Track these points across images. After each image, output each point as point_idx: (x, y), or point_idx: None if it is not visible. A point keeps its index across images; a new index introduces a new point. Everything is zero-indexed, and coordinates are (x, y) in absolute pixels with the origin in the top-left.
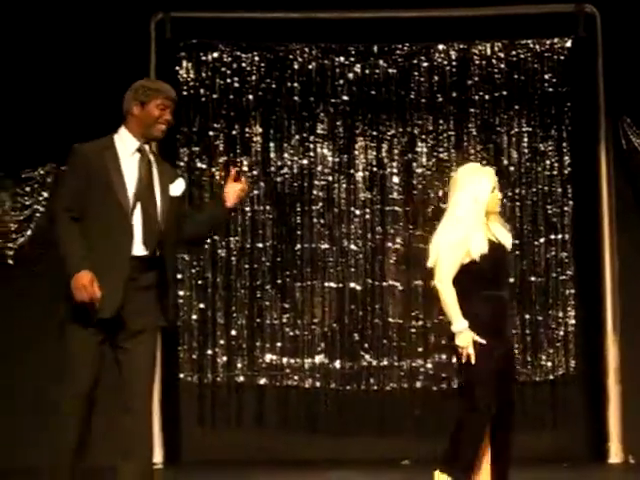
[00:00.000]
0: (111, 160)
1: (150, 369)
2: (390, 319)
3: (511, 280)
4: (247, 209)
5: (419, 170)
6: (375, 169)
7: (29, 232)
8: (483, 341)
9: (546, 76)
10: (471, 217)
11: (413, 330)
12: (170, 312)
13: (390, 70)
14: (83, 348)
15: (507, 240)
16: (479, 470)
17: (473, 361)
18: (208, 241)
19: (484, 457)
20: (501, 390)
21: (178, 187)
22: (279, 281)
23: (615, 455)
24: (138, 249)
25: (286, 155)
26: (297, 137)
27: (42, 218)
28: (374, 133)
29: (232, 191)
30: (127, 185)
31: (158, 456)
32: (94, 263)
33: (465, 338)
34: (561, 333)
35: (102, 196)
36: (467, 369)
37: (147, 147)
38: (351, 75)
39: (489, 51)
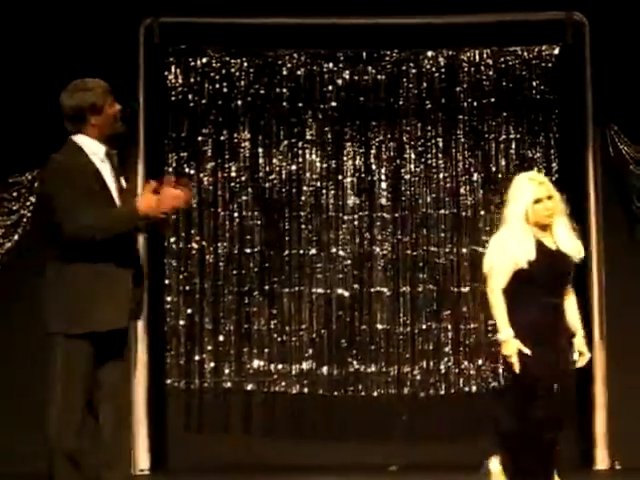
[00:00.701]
0: (93, 172)
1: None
2: (378, 325)
3: None
4: (235, 215)
5: (407, 176)
6: (363, 175)
7: (16, 237)
8: (528, 351)
9: (534, 83)
10: (516, 226)
11: (401, 336)
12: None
13: (379, 76)
14: (81, 361)
15: (570, 248)
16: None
17: (517, 370)
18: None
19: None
20: (548, 403)
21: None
22: (267, 287)
23: (602, 461)
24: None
25: (275, 161)
26: (286, 143)
27: (29, 223)
28: (362, 139)
29: (166, 197)
30: (113, 194)
31: (145, 462)
32: (102, 278)
33: (509, 347)
34: None
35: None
36: (510, 378)
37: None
38: (340, 81)
39: (477, 58)
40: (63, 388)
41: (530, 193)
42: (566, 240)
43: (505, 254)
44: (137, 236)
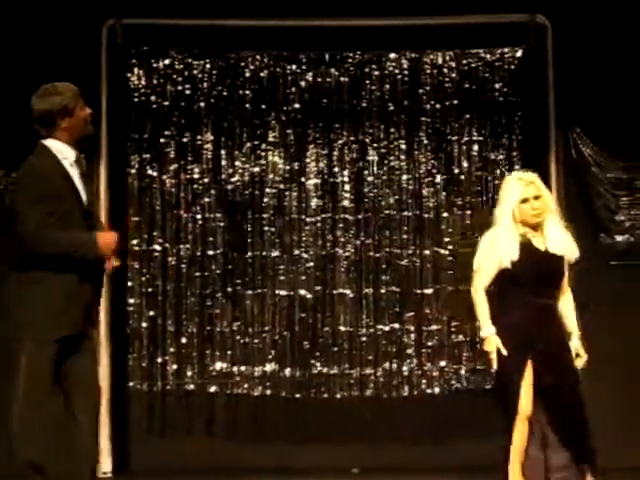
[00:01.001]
0: (63, 175)
1: (96, 369)
2: (341, 327)
3: None
4: (198, 217)
5: (370, 178)
6: (326, 177)
7: None
8: (504, 351)
9: (497, 85)
10: (504, 225)
11: (363, 338)
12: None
13: (342, 78)
14: (51, 365)
15: (560, 248)
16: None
17: (494, 366)
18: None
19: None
20: (544, 401)
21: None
22: (229, 289)
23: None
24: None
25: (237, 163)
26: (248, 145)
27: None
28: (325, 141)
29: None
30: (82, 198)
31: (107, 465)
32: (67, 282)
33: (489, 344)
34: None
35: (66, 212)
36: (495, 375)
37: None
38: (303, 83)
39: (440, 60)
40: (27, 393)
41: (517, 193)
42: (557, 240)
43: (491, 254)
44: None
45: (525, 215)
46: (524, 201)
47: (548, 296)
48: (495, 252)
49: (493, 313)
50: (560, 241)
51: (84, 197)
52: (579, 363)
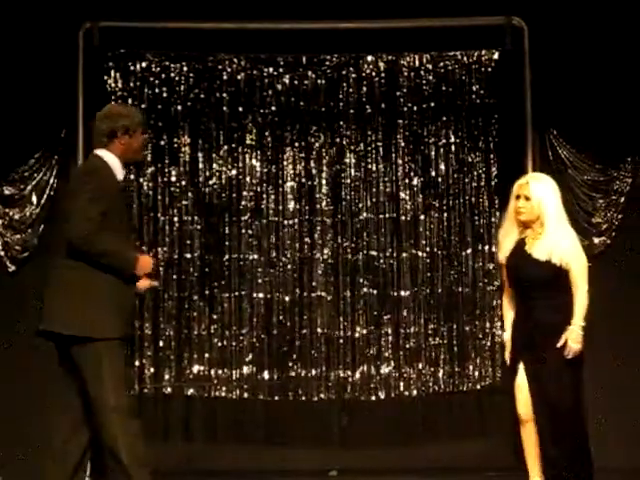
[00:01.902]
0: (117, 188)
1: None
2: (318, 330)
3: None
4: (175, 219)
5: (347, 181)
6: (304, 180)
7: None
8: (507, 358)
9: (474, 88)
10: (505, 222)
11: (341, 341)
12: None
13: (319, 81)
14: (121, 362)
15: (544, 253)
16: None
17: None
18: None
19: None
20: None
21: None
22: (207, 292)
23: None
24: None
25: (215, 165)
26: (226, 147)
27: None
28: (303, 144)
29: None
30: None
31: (85, 469)
32: (116, 287)
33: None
34: (488, 343)
35: (117, 223)
36: None
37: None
38: (280, 86)
39: (417, 63)
40: (120, 387)
41: (514, 190)
42: (545, 244)
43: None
44: None
45: (514, 213)
46: (517, 198)
47: (524, 298)
48: (500, 250)
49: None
50: (548, 245)
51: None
52: (567, 353)
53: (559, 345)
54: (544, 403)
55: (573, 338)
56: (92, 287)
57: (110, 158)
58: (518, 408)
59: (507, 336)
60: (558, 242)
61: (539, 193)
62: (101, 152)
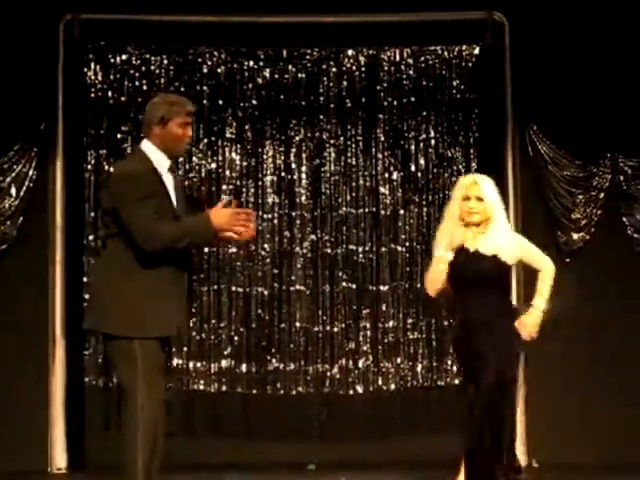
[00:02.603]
0: (159, 182)
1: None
2: (297, 323)
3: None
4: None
5: (327, 175)
6: (283, 173)
7: None
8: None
9: (454, 83)
10: (447, 226)
11: (320, 335)
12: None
13: (299, 75)
14: (157, 360)
15: (489, 248)
16: None
17: None
18: None
19: None
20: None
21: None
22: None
23: (519, 459)
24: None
25: (194, 159)
26: (205, 141)
27: None
28: (282, 137)
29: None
30: (175, 206)
31: (62, 461)
32: (160, 284)
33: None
34: None
35: (161, 216)
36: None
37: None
38: (260, 79)
39: (398, 57)
40: (146, 384)
41: (462, 190)
42: (491, 241)
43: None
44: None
45: (463, 212)
46: (465, 199)
47: (477, 299)
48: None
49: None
50: (495, 243)
51: (175, 204)
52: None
53: (516, 327)
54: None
55: (533, 322)
56: (129, 287)
57: (151, 151)
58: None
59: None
60: (505, 239)
61: (491, 194)
62: (143, 145)
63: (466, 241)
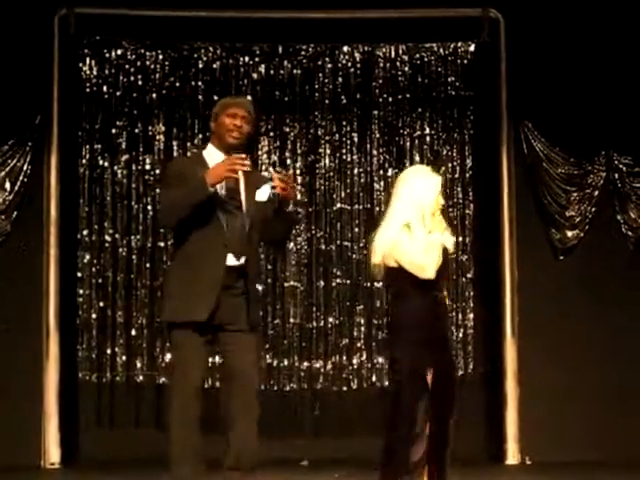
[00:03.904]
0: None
1: (254, 366)
2: (291, 320)
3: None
4: (149, 208)
5: (322, 171)
6: (278, 169)
7: None
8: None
9: (449, 79)
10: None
11: (314, 331)
12: (252, 316)
13: (294, 71)
14: (191, 349)
15: (448, 241)
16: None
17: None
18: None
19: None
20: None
21: (264, 193)
22: None
23: (512, 457)
24: (230, 259)
25: (189, 154)
26: (200, 136)
27: None
28: (277, 133)
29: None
30: (219, 198)
31: (55, 456)
32: (191, 270)
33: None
34: (460, 335)
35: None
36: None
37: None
38: (255, 75)
39: (393, 54)
40: (179, 373)
41: (436, 188)
42: (447, 236)
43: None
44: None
45: (437, 207)
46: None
47: (439, 288)
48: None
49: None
50: (448, 236)
51: (222, 204)
52: None
53: None
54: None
55: None
56: (168, 275)
57: (210, 150)
58: None
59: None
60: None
61: (400, 187)
62: (208, 146)
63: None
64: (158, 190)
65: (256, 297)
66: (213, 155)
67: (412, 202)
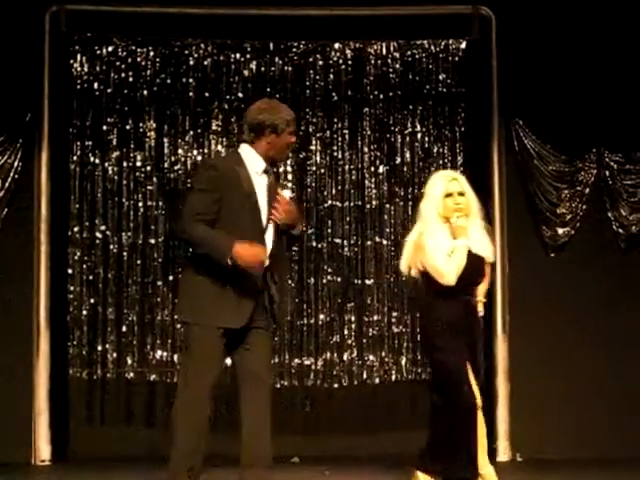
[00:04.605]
0: (245, 179)
1: (269, 365)
2: None
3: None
4: (140, 204)
5: (313, 168)
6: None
7: None
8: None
9: (441, 77)
10: (429, 221)
11: (304, 328)
12: (276, 314)
13: (286, 68)
14: (210, 351)
15: (481, 249)
16: None
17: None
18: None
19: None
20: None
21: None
22: (170, 277)
23: (503, 453)
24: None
25: (180, 151)
26: (191, 133)
27: None
28: None
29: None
30: (260, 205)
31: (46, 453)
32: (231, 277)
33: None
34: None
35: (237, 213)
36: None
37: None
38: (246, 72)
39: (384, 51)
40: (193, 372)
41: (441, 187)
42: (478, 241)
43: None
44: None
45: (447, 210)
46: (448, 196)
47: (472, 293)
48: (437, 246)
49: (431, 309)
50: (481, 242)
51: (262, 210)
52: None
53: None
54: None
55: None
56: (187, 277)
57: (249, 152)
58: (477, 395)
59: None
60: (486, 238)
61: (469, 188)
62: (243, 147)
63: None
64: (191, 187)
65: (280, 294)
66: (253, 159)
67: (428, 203)
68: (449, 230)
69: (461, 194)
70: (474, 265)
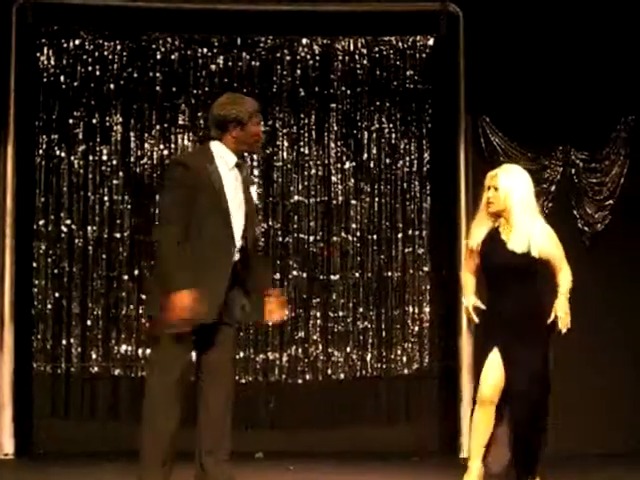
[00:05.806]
0: (215, 175)
1: (233, 359)
2: None
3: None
4: (105, 199)
5: (279, 163)
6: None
7: None
8: (476, 319)
9: (408, 73)
10: (479, 216)
11: (270, 323)
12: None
13: (253, 63)
14: (179, 345)
15: (519, 245)
16: None
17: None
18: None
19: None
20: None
21: (253, 194)
22: (136, 272)
23: (466, 450)
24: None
25: (146, 145)
26: (158, 127)
27: None
28: None
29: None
30: (229, 199)
31: (9, 447)
32: (199, 269)
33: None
34: (416, 328)
35: (208, 208)
36: None
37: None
38: (213, 67)
39: (352, 47)
40: (159, 366)
41: (485, 182)
42: (518, 237)
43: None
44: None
45: (483, 203)
46: (487, 189)
47: (507, 290)
48: (470, 236)
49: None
50: (523, 237)
51: (233, 199)
52: (559, 326)
53: (549, 321)
54: (519, 387)
55: (562, 307)
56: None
57: (219, 148)
58: (483, 390)
59: (471, 301)
60: (532, 234)
61: (505, 184)
62: (212, 143)
63: (500, 232)
64: (164, 188)
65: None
66: (224, 155)
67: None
68: (490, 225)
69: (495, 189)
70: (507, 259)
